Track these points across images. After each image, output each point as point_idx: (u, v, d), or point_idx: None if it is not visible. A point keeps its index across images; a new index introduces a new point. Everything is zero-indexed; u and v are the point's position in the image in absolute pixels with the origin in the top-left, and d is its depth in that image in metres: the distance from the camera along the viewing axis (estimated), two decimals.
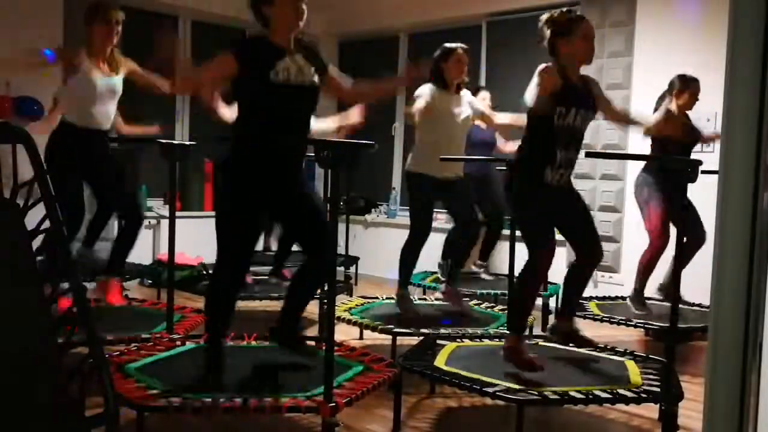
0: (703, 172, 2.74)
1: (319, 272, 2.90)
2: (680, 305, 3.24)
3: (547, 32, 3.05)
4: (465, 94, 4.15)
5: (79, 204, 3.81)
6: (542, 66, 2.92)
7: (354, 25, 7.17)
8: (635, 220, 5.00)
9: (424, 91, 3.95)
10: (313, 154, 2.54)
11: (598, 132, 5.39)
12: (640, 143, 4.92)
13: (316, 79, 2.79)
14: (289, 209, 2.89)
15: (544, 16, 3.06)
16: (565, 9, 3.10)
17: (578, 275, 3.25)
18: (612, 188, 5.44)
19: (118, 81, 3.80)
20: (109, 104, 3.79)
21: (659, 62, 5.13)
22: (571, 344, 3.38)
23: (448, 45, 4.04)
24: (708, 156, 4.19)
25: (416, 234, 4.06)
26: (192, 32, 6.65)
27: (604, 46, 5.36)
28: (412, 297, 4.33)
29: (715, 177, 1.09)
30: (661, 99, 4.45)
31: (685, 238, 4.03)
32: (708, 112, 4.77)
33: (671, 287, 2.88)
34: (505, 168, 3.57)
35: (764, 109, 1.01)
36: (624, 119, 3.53)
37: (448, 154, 3.96)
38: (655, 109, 4.41)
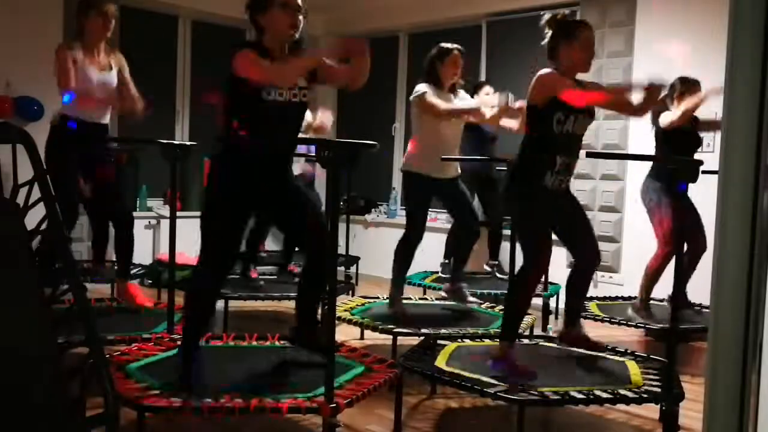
0: (704, 172, 2.74)
1: (322, 268, 2.90)
2: (683, 308, 3.23)
3: (549, 33, 3.03)
4: (460, 93, 4.12)
5: (74, 200, 3.80)
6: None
7: (354, 25, 7.17)
8: (635, 220, 5.00)
9: (423, 89, 3.92)
10: (313, 155, 2.55)
11: (598, 132, 5.39)
12: (640, 144, 4.93)
13: (306, 96, 2.82)
14: (281, 209, 2.91)
15: (547, 16, 3.04)
16: (568, 11, 3.09)
17: (579, 280, 3.24)
18: (612, 188, 5.44)
19: (113, 75, 3.80)
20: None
21: (659, 62, 5.13)
22: (582, 348, 3.34)
23: (444, 45, 3.98)
24: (708, 156, 4.19)
25: (411, 232, 4.03)
26: (192, 32, 6.66)
27: (604, 46, 5.36)
28: (407, 297, 4.33)
29: (715, 177, 1.09)
30: (662, 102, 4.43)
31: (688, 246, 4.04)
32: (708, 112, 4.76)
33: (675, 293, 2.86)
34: (505, 169, 3.58)
35: (764, 109, 1.01)
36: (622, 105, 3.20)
37: (444, 154, 3.95)
38: (654, 114, 4.40)
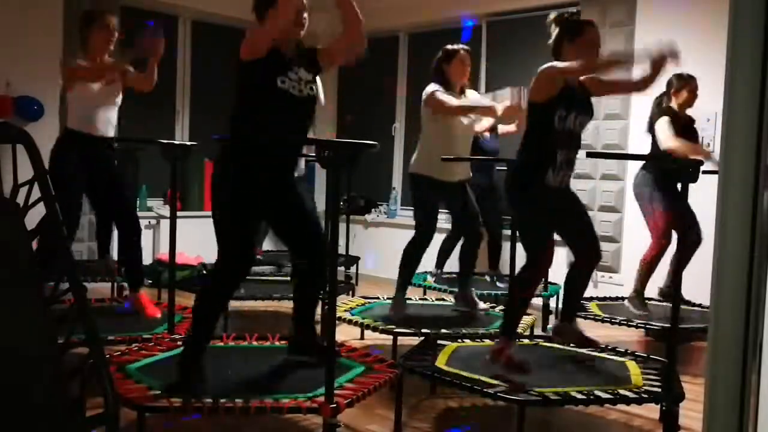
0: (704, 172, 2.74)
1: (319, 275, 2.89)
2: (681, 306, 3.23)
3: (555, 31, 3.05)
4: (470, 94, 4.11)
5: (76, 211, 3.80)
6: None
7: None
8: (635, 220, 5.00)
9: (433, 88, 3.90)
10: (313, 155, 2.55)
11: (598, 132, 5.39)
12: (640, 144, 4.92)
13: (313, 89, 2.84)
14: (281, 212, 2.90)
15: (553, 14, 3.05)
16: (575, 10, 3.11)
17: (578, 277, 3.25)
18: (612, 188, 5.44)
19: (116, 87, 3.80)
20: (110, 110, 3.79)
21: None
22: (574, 345, 3.37)
23: (450, 47, 3.97)
24: None
25: (421, 237, 4.00)
26: (192, 32, 6.65)
27: (604, 46, 5.35)
28: (409, 299, 4.32)
29: (715, 177, 1.09)
30: (659, 100, 4.45)
31: (683, 239, 4.06)
32: (708, 112, 4.76)
33: (672, 290, 2.87)
34: (506, 168, 3.58)
35: (764, 109, 1.01)
36: (622, 84, 3.40)
37: (455, 156, 3.92)
38: (653, 112, 4.41)
